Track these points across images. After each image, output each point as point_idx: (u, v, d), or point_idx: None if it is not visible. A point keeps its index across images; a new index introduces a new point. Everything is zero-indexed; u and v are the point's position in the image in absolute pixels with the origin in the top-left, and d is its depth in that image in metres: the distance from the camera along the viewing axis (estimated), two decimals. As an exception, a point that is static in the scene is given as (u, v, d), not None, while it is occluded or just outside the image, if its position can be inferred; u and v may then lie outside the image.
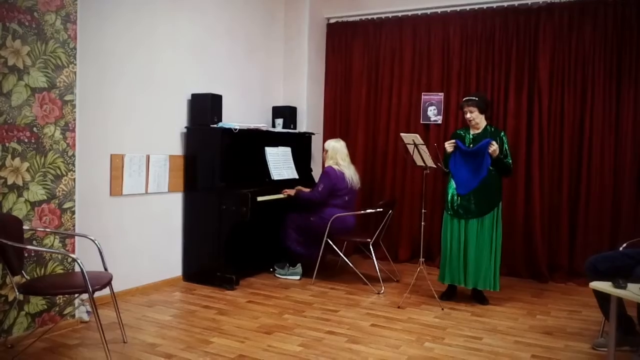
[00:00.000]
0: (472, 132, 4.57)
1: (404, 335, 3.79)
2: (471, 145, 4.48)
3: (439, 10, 5.99)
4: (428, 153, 4.46)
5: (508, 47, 5.67)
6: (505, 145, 4.49)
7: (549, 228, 5.54)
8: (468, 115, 4.50)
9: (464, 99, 4.63)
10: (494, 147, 4.31)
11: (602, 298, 3.35)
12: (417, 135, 4.44)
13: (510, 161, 4.52)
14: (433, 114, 6.05)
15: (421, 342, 3.66)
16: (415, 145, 4.41)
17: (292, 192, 5.30)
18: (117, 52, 4.39)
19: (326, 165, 5.25)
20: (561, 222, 5.46)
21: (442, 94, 6.01)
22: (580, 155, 5.41)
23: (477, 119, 4.50)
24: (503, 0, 5.63)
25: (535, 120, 5.54)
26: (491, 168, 4.40)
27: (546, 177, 5.52)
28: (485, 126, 4.56)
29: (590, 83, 5.34)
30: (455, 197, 4.50)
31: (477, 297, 4.62)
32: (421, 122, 6.11)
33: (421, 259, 4.62)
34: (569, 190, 5.45)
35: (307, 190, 5.38)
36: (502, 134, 4.54)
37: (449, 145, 4.48)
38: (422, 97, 6.10)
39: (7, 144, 3.32)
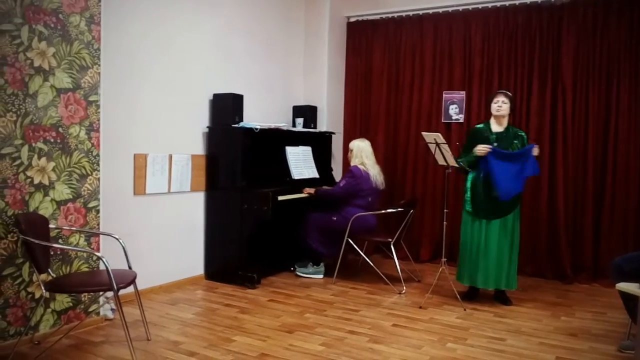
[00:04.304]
0: (494, 129, 4.51)
1: (425, 336, 3.77)
2: (495, 144, 4.39)
3: (460, 8, 5.94)
4: (450, 152, 4.42)
5: (531, 45, 5.60)
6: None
7: (574, 228, 5.45)
8: (500, 104, 4.42)
9: (498, 90, 4.64)
10: (538, 151, 4.30)
11: (629, 299, 3.30)
12: (439, 134, 4.40)
13: None
14: (454, 113, 6.00)
15: (443, 343, 3.64)
16: (437, 145, 4.38)
17: (312, 190, 5.30)
18: (140, 52, 4.44)
19: (352, 164, 5.23)
20: (586, 222, 5.38)
21: (463, 92, 5.96)
22: (605, 154, 5.32)
23: (505, 113, 4.44)
24: (526, -3, 5.58)
25: (559, 118, 5.47)
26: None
27: (570, 176, 5.44)
28: (508, 125, 4.51)
29: (616, 81, 5.25)
30: (479, 197, 4.44)
31: (500, 298, 4.58)
32: (442, 120, 6.07)
33: (443, 259, 4.58)
34: (593, 190, 5.36)
35: (327, 188, 5.39)
36: (524, 134, 4.50)
37: (482, 150, 4.32)
38: (444, 95, 6.06)
39: (33, 144, 3.38)
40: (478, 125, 4.66)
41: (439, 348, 3.55)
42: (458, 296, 4.51)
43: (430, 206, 6.10)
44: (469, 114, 5.92)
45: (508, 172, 4.24)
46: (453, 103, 6.01)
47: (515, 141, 4.43)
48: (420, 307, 4.42)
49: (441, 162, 4.50)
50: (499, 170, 4.26)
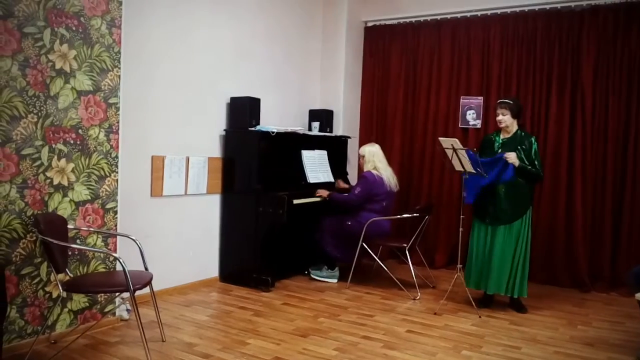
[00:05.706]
0: (502, 136, 4.55)
1: (440, 343, 3.74)
2: (500, 150, 4.46)
3: (479, 13, 5.92)
4: (467, 158, 4.40)
5: (550, 51, 5.55)
6: (535, 149, 4.40)
7: (592, 236, 5.39)
8: (500, 117, 4.49)
9: (498, 101, 4.62)
10: (511, 158, 4.28)
11: (648, 310, 3.25)
12: (457, 140, 4.38)
13: (539, 166, 4.40)
14: (472, 118, 5.97)
15: (458, 350, 3.61)
16: (454, 150, 4.36)
17: (324, 193, 5.29)
18: (159, 55, 4.48)
19: (365, 170, 5.22)
20: (604, 230, 5.31)
21: (481, 97, 5.93)
22: (625, 161, 5.26)
23: (508, 122, 4.47)
24: (545, 2, 5.53)
25: (578, 125, 5.41)
26: (520, 180, 4.36)
27: (589, 183, 5.38)
28: (516, 131, 4.50)
29: (636, 87, 5.18)
30: (483, 203, 4.47)
31: (515, 305, 4.54)
32: (459, 126, 6.04)
33: (458, 266, 4.56)
34: (612, 197, 5.30)
35: (345, 186, 5.37)
36: (533, 139, 4.46)
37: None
38: (461, 100, 6.03)
39: (53, 145, 3.42)
40: (489, 134, 4.76)
41: (454, 355, 3.52)
42: (473, 303, 4.48)
43: (445, 212, 6.07)
44: (487, 119, 5.88)
45: (474, 182, 4.47)
46: (470, 108, 5.98)
47: (523, 146, 4.41)
48: (435, 314, 4.40)
49: (458, 167, 4.48)
50: (470, 178, 4.51)
